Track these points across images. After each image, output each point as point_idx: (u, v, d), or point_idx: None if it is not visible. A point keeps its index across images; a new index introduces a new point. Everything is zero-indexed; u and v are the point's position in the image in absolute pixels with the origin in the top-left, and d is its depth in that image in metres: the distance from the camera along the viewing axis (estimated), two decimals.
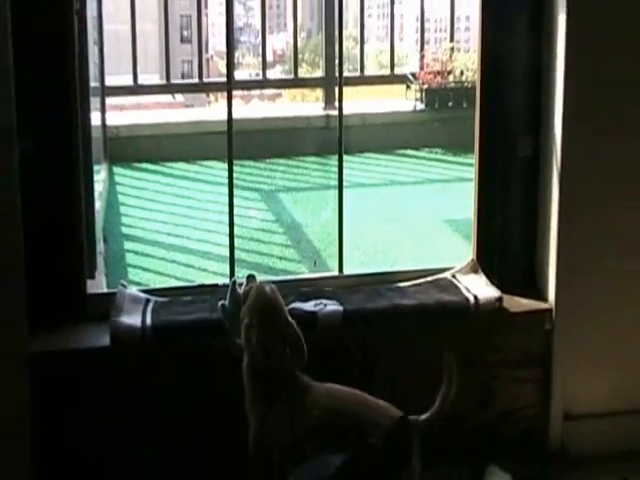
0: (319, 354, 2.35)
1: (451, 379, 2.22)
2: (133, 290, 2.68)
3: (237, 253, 2.82)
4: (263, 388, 2.25)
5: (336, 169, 2.84)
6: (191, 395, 2.54)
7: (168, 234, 4.06)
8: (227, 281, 2.73)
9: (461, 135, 4.61)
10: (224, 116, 2.77)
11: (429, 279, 2.80)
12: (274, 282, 2.80)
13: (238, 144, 2.80)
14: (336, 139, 2.84)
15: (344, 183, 2.84)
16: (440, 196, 4.66)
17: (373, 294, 2.69)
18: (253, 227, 4.07)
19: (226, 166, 2.80)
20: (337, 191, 2.83)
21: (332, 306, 2.58)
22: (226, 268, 2.81)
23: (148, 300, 2.64)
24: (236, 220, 2.81)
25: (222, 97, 6.47)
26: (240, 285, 2.34)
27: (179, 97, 6.78)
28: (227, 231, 2.80)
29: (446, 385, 2.22)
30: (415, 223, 4.25)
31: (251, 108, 6.00)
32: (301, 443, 2.20)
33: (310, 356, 2.30)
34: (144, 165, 4.97)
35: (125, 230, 4.12)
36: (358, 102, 5.41)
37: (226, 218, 2.80)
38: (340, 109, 2.87)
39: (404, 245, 3.97)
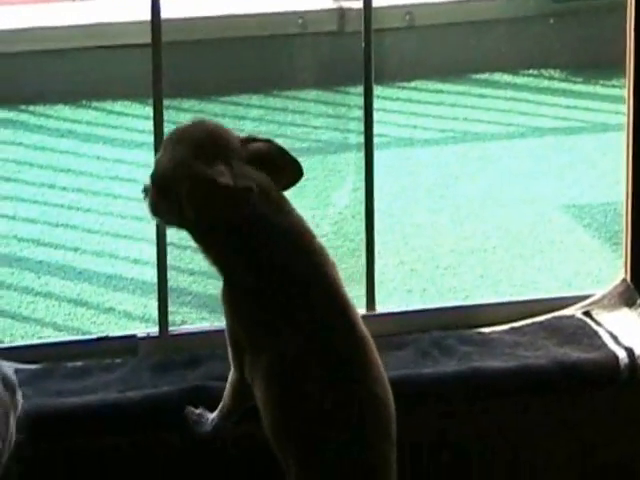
0: None
1: None
2: None
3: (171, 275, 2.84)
4: None
5: (360, 114, 2.87)
6: None
7: (40, 243, 4.08)
8: (151, 331, 2.76)
9: (598, 44, 4.63)
10: (144, 14, 2.77)
11: (539, 319, 2.82)
12: None
13: (172, 68, 2.81)
14: (358, 56, 2.85)
15: (375, 140, 2.85)
16: (557, 160, 4.69)
17: (432, 348, 2.72)
18: None
19: (148, 109, 2.81)
20: (363, 155, 2.84)
21: None
22: (152, 303, 2.82)
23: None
24: None
25: None
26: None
27: None
28: (154, 235, 2.81)
29: None
30: (508, 211, 4.27)
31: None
32: None
33: None
34: None
35: None
36: None
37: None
38: None
39: (487, 254, 3.99)
